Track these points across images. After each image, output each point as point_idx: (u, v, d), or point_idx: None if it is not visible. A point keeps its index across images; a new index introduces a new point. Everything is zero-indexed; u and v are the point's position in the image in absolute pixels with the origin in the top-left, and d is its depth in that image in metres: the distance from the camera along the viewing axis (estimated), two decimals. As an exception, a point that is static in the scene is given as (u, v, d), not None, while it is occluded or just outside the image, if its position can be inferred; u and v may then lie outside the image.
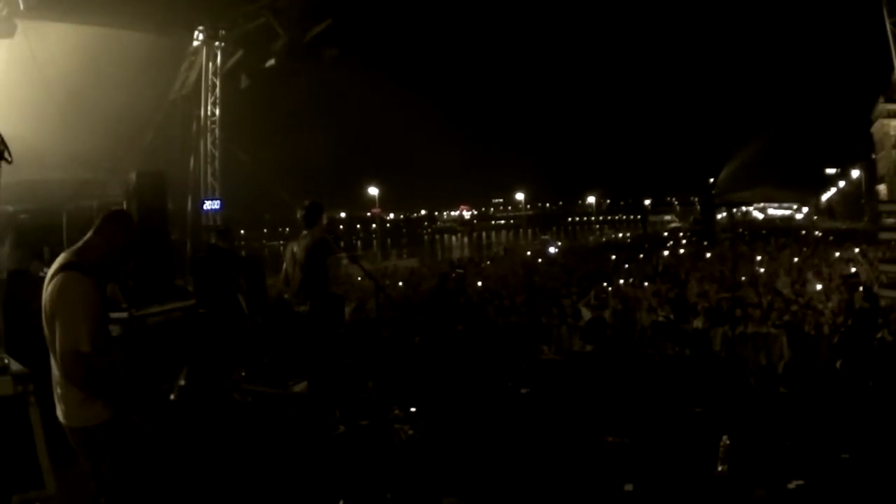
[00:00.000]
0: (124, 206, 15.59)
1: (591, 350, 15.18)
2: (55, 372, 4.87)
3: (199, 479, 6.88)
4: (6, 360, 6.28)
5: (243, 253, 28.09)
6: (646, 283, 25.41)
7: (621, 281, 26.58)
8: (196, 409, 8.33)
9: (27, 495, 5.91)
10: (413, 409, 9.67)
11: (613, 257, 41.51)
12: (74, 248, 4.94)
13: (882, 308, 15.25)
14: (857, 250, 33.14)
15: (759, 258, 33.95)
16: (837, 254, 33.23)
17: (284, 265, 10.50)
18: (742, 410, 9.57)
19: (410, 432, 8.95)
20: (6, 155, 5.93)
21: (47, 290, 4.78)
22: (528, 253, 52.21)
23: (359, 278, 24.60)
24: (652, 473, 7.73)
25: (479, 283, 27.61)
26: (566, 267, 36.05)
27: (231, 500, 6.96)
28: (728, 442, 7.53)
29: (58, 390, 4.90)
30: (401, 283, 28.90)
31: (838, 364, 13.21)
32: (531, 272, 32.73)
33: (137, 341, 7.30)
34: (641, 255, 42.48)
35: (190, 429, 7.64)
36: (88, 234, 5.00)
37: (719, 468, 7.45)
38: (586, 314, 17.96)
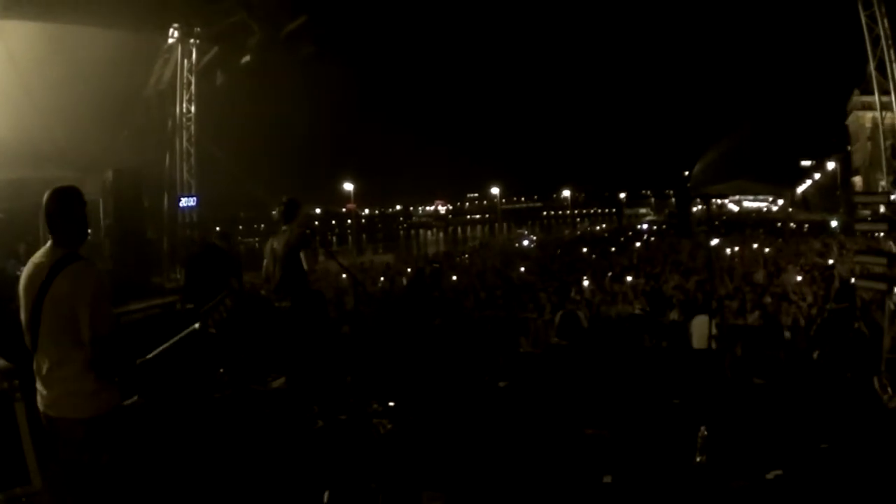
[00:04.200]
0: (101, 204, 15.58)
1: (568, 343, 15.23)
2: (61, 365, 4.81)
3: (179, 475, 6.91)
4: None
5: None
6: (628, 278, 25.49)
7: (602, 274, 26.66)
8: (177, 405, 8.35)
9: (13, 492, 5.92)
10: (391, 404, 9.71)
11: (588, 250, 41.63)
12: (55, 240, 4.91)
13: (858, 299, 15.36)
14: (836, 242, 33.40)
15: (735, 250, 34.11)
16: (817, 245, 33.50)
17: (265, 261, 10.52)
18: (719, 401, 9.64)
19: (389, 426, 8.99)
20: None
21: (57, 285, 4.73)
22: (504, 247, 52.38)
23: (343, 275, 24.52)
24: (630, 465, 7.78)
25: (455, 278, 27.58)
26: (541, 260, 36.11)
27: (211, 494, 6.98)
28: (706, 432, 7.59)
29: (61, 385, 4.82)
30: (382, 279, 28.84)
31: (815, 355, 13.31)
32: (507, 266, 32.76)
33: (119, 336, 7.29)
34: (615, 248, 42.70)
35: (170, 425, 7.66)
36: (54, 224, 4.94)
37: (697, 458, 7.51)
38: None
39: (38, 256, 4.90)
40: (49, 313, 4.74)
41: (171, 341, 5.14)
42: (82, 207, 5.05)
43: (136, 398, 5.05)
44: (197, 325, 5.21)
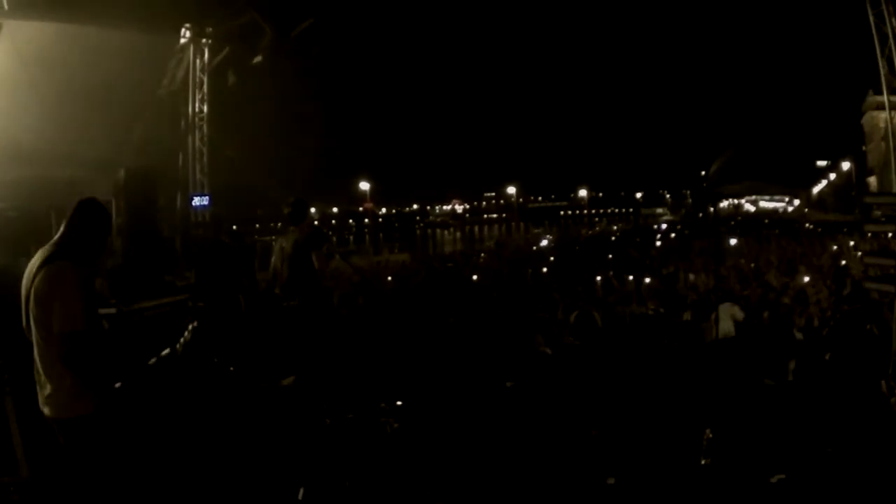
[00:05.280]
0: (113, 203, 15.63)
1: (581, 344, 15.21)
2: (45, 364, 4.95)
3: (181, 471, 6.92)
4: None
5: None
6: (636, 277, 25.38)
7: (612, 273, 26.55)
8: (182, 401, 8.38)
9: (1, 480, 6.00)
10: (399, 403, 9.71)
11: (604, 250, 41.48)
12: (53, 241, 5.04)
13: (870, 301, 15.29)
14: (851, 243, 33.22)
15: (748, 250, 33.97)
16: (833, 247, 33.30)
17: (273, 260, 10.56)
18: (727, 403, 9.60)
19: (396, 425, 8.99)
20: None
21: (37, 282, 4.91)
22: (520, 246, 52.22)
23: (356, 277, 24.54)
24: (634, 466, 7.77)
25: (472, 277, 27.53)
26: (558, 259, 36.00)
27: (218, 492, 7.00)
28: (711, 435, 7.57)
29: (48, 384, 4.96)
30: (389, 278, 28.79)
31: (827, 357, 13.26)
32: (523, 265, 32.65)
33: (126, 336, 7.35)
34: (632, 248, 42.56)
35: (175, 420, 7.68)
36: (63, 228, 5.09)
37: (702, 461, 7.49)
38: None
39: (35, 256, 5.01)
40: (34, 311, 4.84)
41: (149, 362, 5.26)
42: (99, 225, 5.18)
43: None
44: (168, 350, 5.38)
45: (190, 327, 5.68)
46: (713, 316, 14.59)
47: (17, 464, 6.17)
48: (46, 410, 4.98)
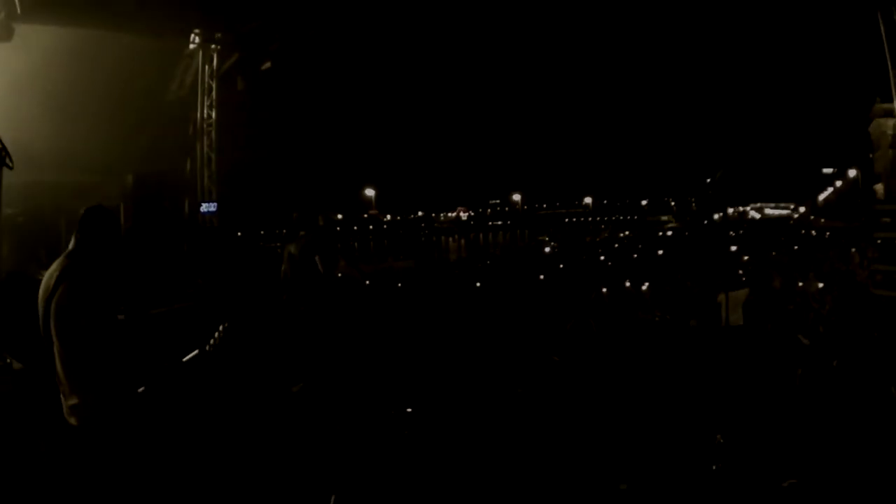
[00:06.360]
0: (121, 208, 15.69)
1: (582, 350, 15.21)
2: (69, 374, 4.99)
3: (195, 479, 6.93)
4: (7, 360, 6.39)
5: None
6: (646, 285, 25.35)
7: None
8: (195, 407, 8.38)
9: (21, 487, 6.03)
10: (409, 410, 9.70)
11: (609, 258, 41.49)
12: (67, 252, 5.07)
13: (877, 307, 15.29)
14: (853, 250, 33.20)
15: (753, 258, 33.95)
16: (840, 253, 33.30)
17: (283, 266, 10.58)
18: (736, 408, 9.60)
19: (407, 433, 8.99)
20: (7, 161, 6.06)
21: (58, 296, 4.94)
22: (526, 254, 52.24)
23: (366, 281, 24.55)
24: (647, 472, 7.76)
25: (478, 283, 27.55)
26: (565, 267, 36.01)
27: (227, 499, 7.00)
28: (722, 440, 7.57)
29: (73, 394, 5.00)
30: (399, 285, 28.81)
31: (834, 364, 13.26)
32: (529, 272, 32.65)
33: (136, 343, 7.37)
34: (636, 255, 42.56)
35: (188, 426, 7.69)
36: (74, 239, 5.12)
37: (713, 466, 7.48)
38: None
39: (51, 267, 5.04)
40: (55, 322, 4.88)
41: (178, 362, 5.29)
42: (107, 231, 5.21)
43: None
44: (197, 351, 5.40)
45: (221, 328, 5.71)
46: (720, 297, 14.60)
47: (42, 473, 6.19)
48: (71, 420, 5.01)
